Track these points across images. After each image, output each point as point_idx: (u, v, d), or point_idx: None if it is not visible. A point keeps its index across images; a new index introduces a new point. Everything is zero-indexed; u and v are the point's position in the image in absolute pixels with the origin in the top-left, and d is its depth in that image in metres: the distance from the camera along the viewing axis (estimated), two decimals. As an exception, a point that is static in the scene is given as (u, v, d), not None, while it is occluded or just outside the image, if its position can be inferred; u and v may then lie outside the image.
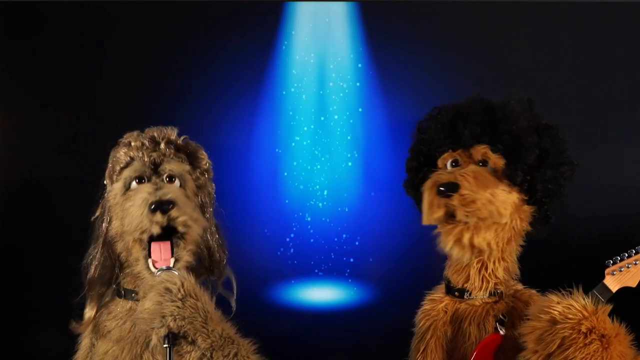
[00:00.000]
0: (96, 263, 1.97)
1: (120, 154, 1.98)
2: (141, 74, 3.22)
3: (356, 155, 3.31)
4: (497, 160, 1.90)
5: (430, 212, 1.88)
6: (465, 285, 1.97)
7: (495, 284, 1.96)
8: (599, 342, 1.72)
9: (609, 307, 1.79)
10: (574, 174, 1.96)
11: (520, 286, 2.02)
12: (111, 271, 1.98)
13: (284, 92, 3.30)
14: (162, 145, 1.97)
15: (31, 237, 3.12)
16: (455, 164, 1.94)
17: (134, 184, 1.93)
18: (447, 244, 1.90)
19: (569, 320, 1.73)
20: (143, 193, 1.85)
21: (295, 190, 3.30)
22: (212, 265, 2.05)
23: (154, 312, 1.74)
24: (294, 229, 3.28)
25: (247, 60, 3.25)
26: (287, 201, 3.29)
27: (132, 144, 1.97)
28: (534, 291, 2.00)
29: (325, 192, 3.30)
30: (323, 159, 3.31)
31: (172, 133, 2.01)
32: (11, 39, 3.22)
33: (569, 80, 3.19)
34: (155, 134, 1.99)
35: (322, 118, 3.31)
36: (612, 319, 1.79)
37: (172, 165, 1.95)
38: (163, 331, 1.73)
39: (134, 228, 1.84)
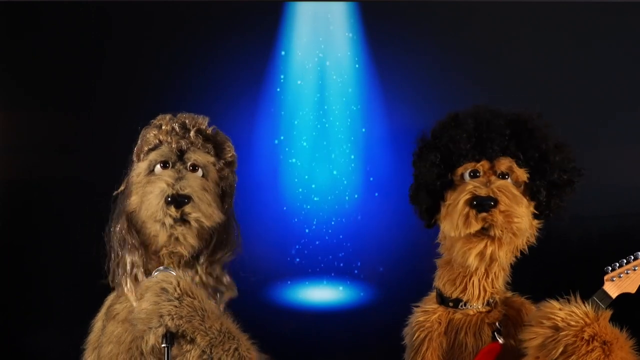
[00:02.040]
0: (128, 245, 1.99)
1: (150, 135, 2.02)
2: (141, 74, 3.22)
3: (356, 155, 3.31)
4: (521, 175, 1.90)
5: (466, 225, 1.85)
6: (461, 295, 1.96)
7: (492, 293, 1.96)
8: (601, 349, 1.72)
9: (610, 313, 1.79)
10: None
11: (509, 293, 2.02)
12: (136, 243, 2.00)
13: (283, 92, 3.30)
14: (192, 133, 2.02)
15: (31, 237, 3.13)
16: (474, 174, 1.93)
17: (158, 167, 1.98)
18: (468, 255, 1.88)
19: (572, 327, 1.73)
20: (162, 182, 1.90)
21: (295, 190, 3.30)
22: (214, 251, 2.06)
23: (151, 312, 1.75)
24: (294, 229, 3.28)
25: (247, 60, 3.25)
26: (287, 201, 3.29)
27: (163, 127, 2.02)
28: (523, 298, 2.01)
29: (326, 192, 3.30)
30: (323, 158, 3.31)
31: (203, 122, 2.07)
32: (11, 39, 3.22)
33: (569, 80, 3.19)
34: (187, 121, 2.04)
35: (322, 118, 3.31)
36: (613, 325, 1.79)
37: (197, 155, 1.99)
38: (161, 331, 1.74)
39: (149, 215, 1.90)
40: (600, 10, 3.22)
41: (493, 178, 1.89)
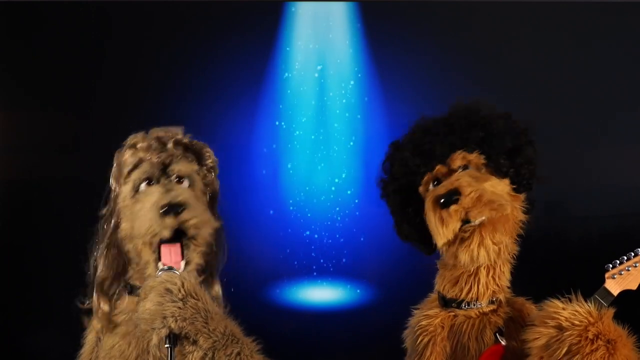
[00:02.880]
0: (106, 263, 1.96)
1: (127, 157, 1.96)
2: (141, 74, 3.22)
3: (356, 155, 3.31)
4: (477, 160, 1.89)
5: (445, 226, 1.83)
6: (464, 295, 1.95)
7: (494, 291, 1.95)
8: (605, 348, 1.71)
9: (612, 311, 1.78)
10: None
11: (509, 294, 2.01)
12: (121, 269, 1.97)
13: (283, 92, 3.30)
14: (170, 146, 1.96)
15: (31, 237, 3.12)
16: (438, 182, 1.93)
17: (142, 186, 1.91)
18: (471, 252, 1.84)
19: (576, 327, 1.72)
20: (153, 196, 1.84)
21: (295, 190, 3.30)
22: (209, 265, 2.05)
23: (154, 312, 1.74)
24: (294, 229, 3.28)
25: (247, 60, 3.25)
26: (287, 201, 3.29)
27: (139, 145, 1.95)
28: (524, 299, 2.00)
29: (326, 192, 3.30)
30: (323, 158, 3.31)
31: (179, 133, 2.01)
32: (11, 39, 3.22)
33: (569, 80, 3.19)
34: (162, 134, 1.98)
35: (322, 117, 3.31)
36: (615, 322, 1.78)
37: (180, 166, 1.94)
38: (164, 332, 1.73)
39: (145, 232, 1.83)
40: (600, 10, 3.22)
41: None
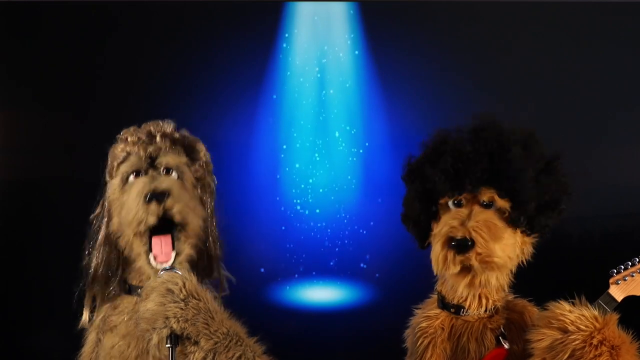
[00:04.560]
0: (97, 262, 1.98)
1: (118, 150, 2.00)
2: (141, 74, 3.22)
3: (357, 156, 3.31)
4: (503, 204, 1.88)
5: (446, 267, 1.84)
6: (462, 302, 1.95)
7: (493, 301, 1.95)
8: (609, 354, 1.71)
9: (617, 317, 1.78)
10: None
11: (510, 296, 2.01)
12: (115, 268, 1.98)
13: (283, 92, 3.30)
14: (158, 139, 1.97)
15: (31, 237, 3.13)
16: (458, 203, 1.91)
17: (131, 178, 1.94)
18: (457, 287, 1.87)
19: (581, 332, 1.73)
20: (139, 185, 1.87)
21: (295, 190, 3.30)
22: (210, 262, 2.05)
23: (156, 312, 1.74)
24: (294, 229, 3.28)
25: (247, 60, 3.25)
26: (287, 202, 3.29)
27: (129, 139, 1.98)
28: (525, 300, 2.00)
29: (326, 192, 3.30)
30: (323, 158, 3.31)
31: (168, 126, 2.02)
32: (11, 39, 3.22)
33: (569, 80, 3.19)
34: (152, 128, 2.00)
35: (322, 117, 3.31)
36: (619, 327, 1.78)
37: (168, 158, 1.96)
38: (166, 332, 1.73)
39: (131, 220, 1.85)
40: (600, 10, 3.22)
41: (476, 207, 1.86)
